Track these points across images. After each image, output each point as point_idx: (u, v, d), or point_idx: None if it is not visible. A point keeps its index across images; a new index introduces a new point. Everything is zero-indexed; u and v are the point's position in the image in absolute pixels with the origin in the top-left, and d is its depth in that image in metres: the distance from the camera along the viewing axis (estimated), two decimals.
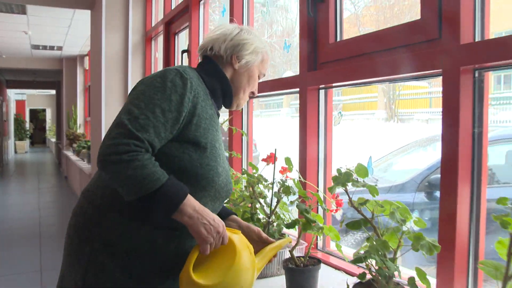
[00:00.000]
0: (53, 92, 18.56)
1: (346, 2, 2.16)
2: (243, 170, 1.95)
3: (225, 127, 2.97)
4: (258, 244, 1.45)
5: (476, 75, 1.35)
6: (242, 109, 2.90)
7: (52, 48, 10.40)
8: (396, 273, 1.23)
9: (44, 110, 26.07)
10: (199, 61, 1.53)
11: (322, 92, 2.09)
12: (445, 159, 1.36)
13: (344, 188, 1.31)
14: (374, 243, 1.23)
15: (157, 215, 1.21)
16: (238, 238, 1.31)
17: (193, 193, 1.26)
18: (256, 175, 1.90)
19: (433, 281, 1.32)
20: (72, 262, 1.35)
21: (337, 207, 1.74)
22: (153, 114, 1.21)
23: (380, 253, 1.22)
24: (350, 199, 1.32)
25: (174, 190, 1.19)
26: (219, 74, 1.46)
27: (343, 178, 1.29)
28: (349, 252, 1.95)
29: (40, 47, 10.34)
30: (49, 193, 9.62)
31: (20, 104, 23.52)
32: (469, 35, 1.33)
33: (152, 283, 1.32)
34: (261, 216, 1.89)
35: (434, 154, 4.16)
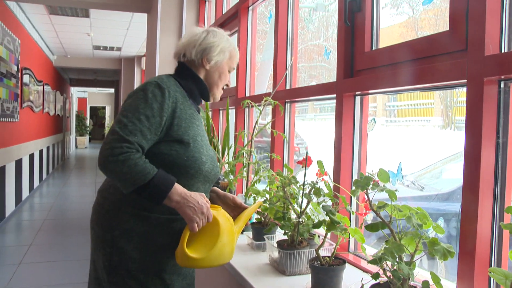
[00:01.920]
0: (112, 90, 19.38)
1: (403, 6, 2.17)
2: (278, 171, 2.04)
3: (268, 129, 3.07)
4: (234, 209, 1.77)
5: (502, 85, 1.37)
6: (284, 113, 2.99)
7: (111, 49, 10.93)
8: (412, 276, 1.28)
9: (103, 108, 27.20)
10: (176, 66, 1.80)
11: (358, 98, 2.15)
12: (467, 169, 1.39)
13: (364, 191, 1.38)
14: (390, 245, 1.29)
15: (150, 202, 1.50)
16: (220, 215, 1.58)
17: (185, 180, 1.58)
18: (290, 176, 1.98)
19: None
20: (99, 248, 1.64)
21: (366, 210, 1.79)
22: (139, 121, 1.49)
23: (395, 255, 1.27)
24: (369, 202, 1.38)
25: (162, 181, 1.46)
26: (193, 76, 1.73)
27: (363, 182, 1.36)
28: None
29: (101, 48, 10.89)
30: None
31: (81, 101, 24.67)
32: (495, 46, 1.36)
33: (163, 260, 1.62)
34: (294, 216, 1.97)
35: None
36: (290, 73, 2.95)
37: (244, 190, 3.12)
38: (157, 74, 5.44)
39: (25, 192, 7.93)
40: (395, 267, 1.29)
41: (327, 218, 1.64)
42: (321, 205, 1.62)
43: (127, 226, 1.58)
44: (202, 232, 1.52)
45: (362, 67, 2.05)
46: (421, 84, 1.63)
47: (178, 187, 1.49)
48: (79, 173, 12.54)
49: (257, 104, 2.89)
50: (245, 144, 2.86)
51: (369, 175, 1.37)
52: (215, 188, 1.84)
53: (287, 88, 2.96)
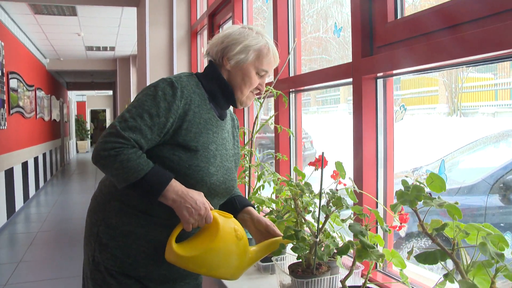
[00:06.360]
0: (111, 92, 19.01)
1: None
2: (287, 176, 1.63)
3: (271, 125, 2.66)
4: (267, 236, 1.58)
5: None
6: (289, 105, 2.58)
7: (105, 48, 10.52)
8: None
9: (104, 111, 26.81)
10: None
11: (380, 82, 1.74)
12: None
13: (413, 208, 0.96)
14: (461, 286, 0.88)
15: (145, 199, 1.41)
16: (225, 221, 1.42)
17: None
18: (302, 183, 1.57)
19: None
20: (86, 242, 1.56)
21: (401, 223, 1.38)
22: (141, 118, 1.38)
23: None
24: (421, 222, 0.96)
25: (157, 178, 1.35)
26: (217, 76, 1.56)
27: (411, 195, 0.94)
28: (414, 269, 1.60)
29: (94, 48, 10.49)
30: None
31: (81, 105, 24.31)
32: None
33: (148, 266, 1.49)
34: (308, 230, 1.56)
35: (508, 151, 3.68)
36: (294, 58, 2.53)
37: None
38: (148, 73, 5.04)
39: (19, 203, 7.53)
40: None
41: (351, 239, 1.23)
42: (347, 225, 1.21)
43: (112, 222, 1.48)
44: (199, 233, 1.44)
45: (385, 42, 1.64)
46: (481, 54, 1.21)
47: (175, 185, 1.38)
48: (79, 178, 12.15)
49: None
50: (245, 143, 2.44)
51: (419, 185, 0.95)
52: (251, 209, 1.66)
53: (290, 75, 2.55)
